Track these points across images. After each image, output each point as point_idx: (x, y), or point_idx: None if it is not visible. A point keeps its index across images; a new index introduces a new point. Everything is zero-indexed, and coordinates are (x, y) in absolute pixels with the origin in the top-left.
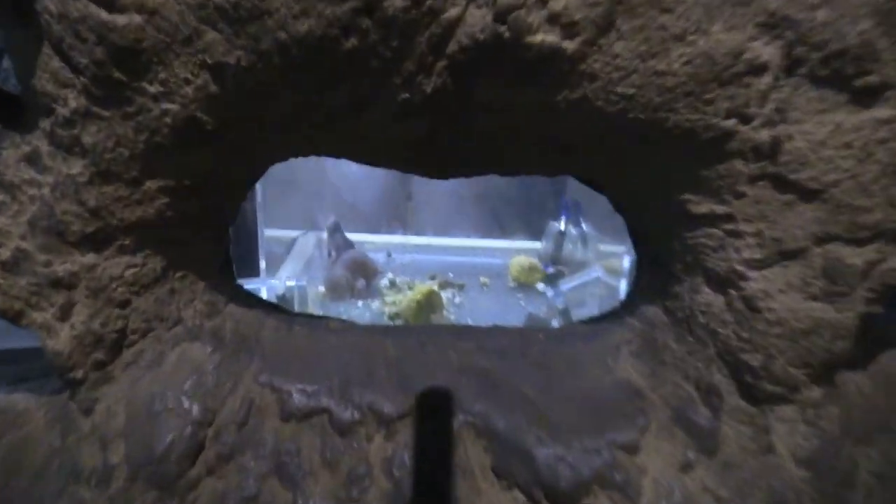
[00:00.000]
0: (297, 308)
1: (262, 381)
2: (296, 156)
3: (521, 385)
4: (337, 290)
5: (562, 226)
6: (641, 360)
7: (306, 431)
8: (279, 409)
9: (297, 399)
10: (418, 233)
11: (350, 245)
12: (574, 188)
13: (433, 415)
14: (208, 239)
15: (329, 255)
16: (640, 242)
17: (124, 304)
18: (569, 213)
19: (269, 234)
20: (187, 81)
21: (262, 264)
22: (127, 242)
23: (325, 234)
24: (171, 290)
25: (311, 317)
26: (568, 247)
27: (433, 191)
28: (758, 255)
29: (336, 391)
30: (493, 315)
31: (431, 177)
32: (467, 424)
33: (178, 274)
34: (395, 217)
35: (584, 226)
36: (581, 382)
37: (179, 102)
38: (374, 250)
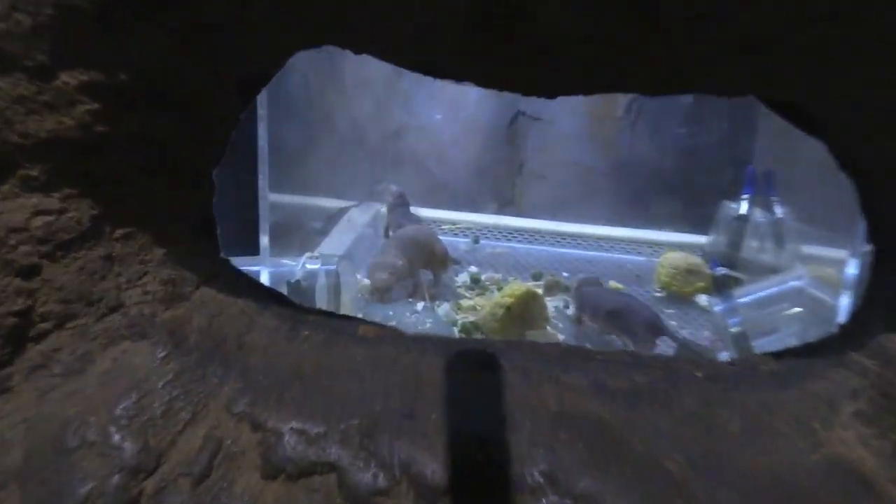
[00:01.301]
0: (318, 304)
1: (238, 410)
2: (308, 45)
3: (660, 453)
4: (380, 285)
5: (743, 208)
6: (875, 428)
7: (301, 499)
8: (261, 458)
9: (292, 444)
10: (524, 214)
11: (416, 222)
12: (766, 151)
13: (506, 490)
14: (173, 181)
15: (386, 234)
16: (882, 229)
17: (29, 272)
18: (755, 188)
19: (314, 202)
20: None
21: (264, 240)
22: (34, 173)
23: (383, 208)
24: (106, 256)
25: (331, 317)
26: (751, 242)
27: (553, 160)
28: None
29: (354, 437)
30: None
31: (517, 89)
32: None
33: (120, 232)
34: (496, 192)
35: (778, 209)
36: (765, 458)
37: None
38: (455, 233)
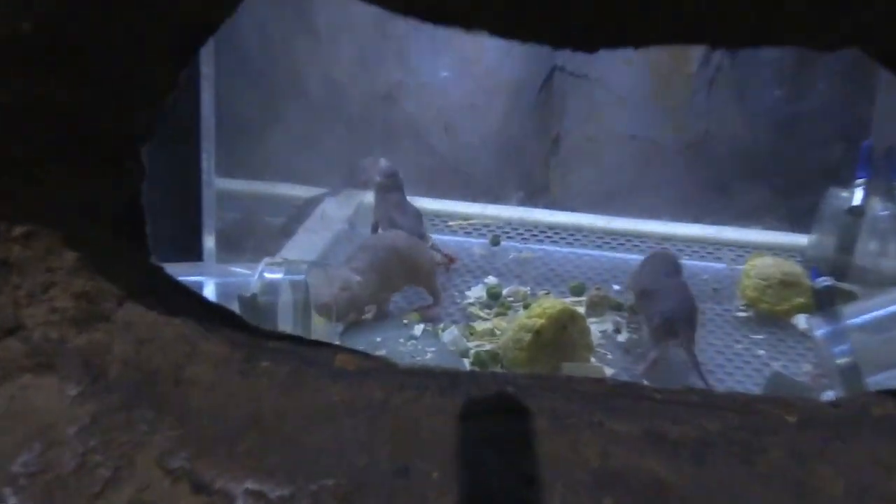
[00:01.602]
0: (282, 325)
1: (175, 466)
2: None
3: None
4: (323, 301)
5: (856, 198)
6: None
7: None
8: None
9: None
10: (561, 206)
11: (414, 216)
12: (888, 123)
13: None
14: (87, 165)
15: (375, 231)
16: None
17: None
18: (872, 171)
19: (276, 191)
20: None
21: (209, 242)
22: None
23: (370, 194)
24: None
25: (299, 343)
26: (867, 244)
27: (602, 132)
28: None
29: (330, 502)
30: (695, 371)
31: (544, 38)
32: None
33: (19, 231)
34: (523, 176)
35: None
36: None
37: None
38: (467, 232)
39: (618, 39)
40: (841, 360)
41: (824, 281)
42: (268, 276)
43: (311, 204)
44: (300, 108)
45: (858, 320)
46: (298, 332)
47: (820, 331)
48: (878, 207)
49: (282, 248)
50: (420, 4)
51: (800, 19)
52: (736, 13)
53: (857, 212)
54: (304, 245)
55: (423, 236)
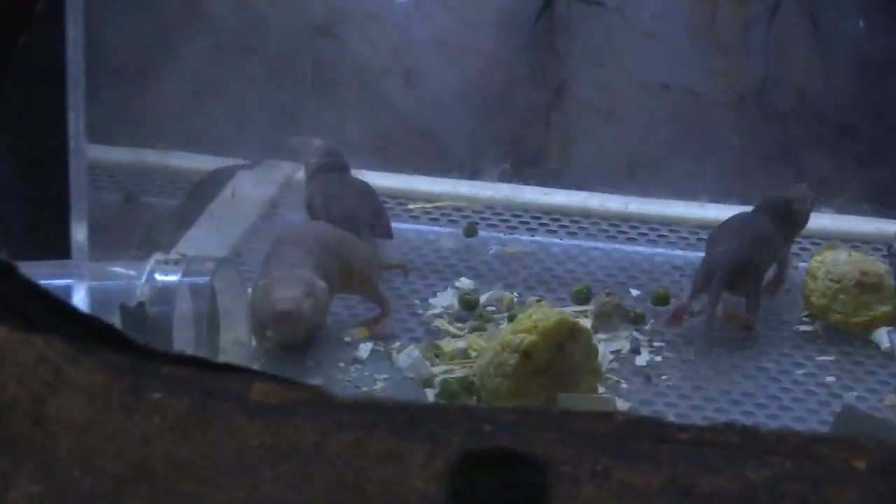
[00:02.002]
0: (178, 344)
1: None
2: None
3: None
4: (285, 319)
5: None
6: None
7: None
8: None
9: None
10: (563, 182)
11: (363, 196)
12: None
13: None
14: None
15: (311, 212)
16: None
17: None
18: None
19: (169, 162)
20: None
21: (79, 232)
22: None
23: (301, 172)
24: None
25: (202, 367)
26: None
27: (622, 79)
28: None
29: None
30: (742, 402)
31: None
32: None
33: None
34: (512, 141)
35: None
36: None
37: None
38: (433, 219)
39: None
40: None
41: None
42: (159, 278)
43: (216, 180)
44: (202, 47)
45: None
46: (202, 352)
47: None
48: None
49: (178, 240)
50: None
51: None
52: None
53: None
54: (209, 236)
55: (381, 226)
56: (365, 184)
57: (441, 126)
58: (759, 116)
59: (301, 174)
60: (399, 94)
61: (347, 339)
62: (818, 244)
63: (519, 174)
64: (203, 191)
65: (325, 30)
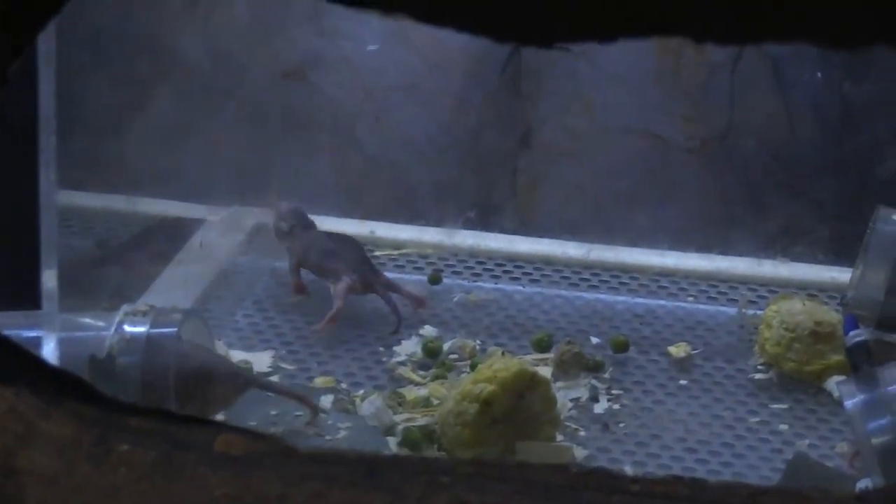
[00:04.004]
0: (143, 395)
1: None
2: None
3: None
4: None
5: None
6: None
7: None
8: None
9: None
10: (529, 229)
11: (348, 249)
12: None
13: None
14: None
15: (297, 289)
16: None
17: None
18: None
19: (139, 209)
20: None
21: (50, 281)
22: None
23: (275, 222)
24: None
25: (168, 419)
26: None
27: (590, 126)
28: None
29: None
30: (697, 450)
31: (491, 31)
32: None
33: None
34: (479, 187)
35: None
36: None
37: None
38: (398, 266)
39: (582, 32)
40: (877, 440)
41: (858, 335)
42: (128, 329)
43: (183, 229)
44: (174, 92)
45: None
46: (170, 404)
47: (851, 400)
48: None
49: (147, 289)
50: None
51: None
52: None
53: None
54: (177, 287)
55: (370, 273)
56: (344, 235)
57: (408, 171)
58: (721, 161)
59: (267, 220)
60: (368, 138)
61: (310, 385)
62: (775, 292)
63: (483, 222)
64: (172, 240)
65: (297, 73)
